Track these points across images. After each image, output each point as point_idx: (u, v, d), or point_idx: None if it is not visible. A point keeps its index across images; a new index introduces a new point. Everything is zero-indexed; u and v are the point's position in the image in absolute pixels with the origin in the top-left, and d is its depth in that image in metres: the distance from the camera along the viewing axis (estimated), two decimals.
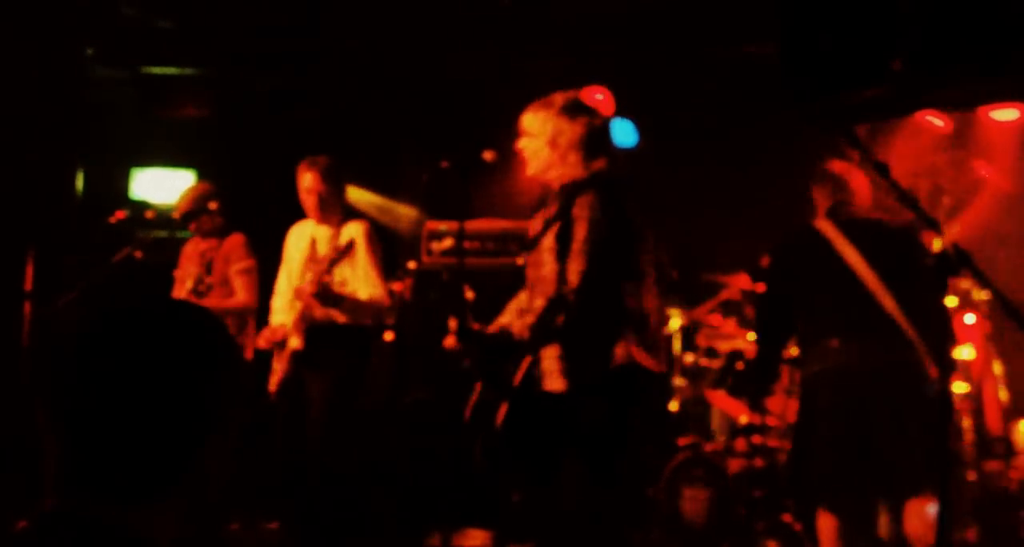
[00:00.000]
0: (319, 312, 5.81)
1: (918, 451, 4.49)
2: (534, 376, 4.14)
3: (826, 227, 4.98)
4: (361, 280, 5.90)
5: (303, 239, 6.11)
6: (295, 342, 5.82)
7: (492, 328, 4.29)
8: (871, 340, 4.75)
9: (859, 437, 4.67)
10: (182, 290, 6.35)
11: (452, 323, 4.19)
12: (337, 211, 6.06)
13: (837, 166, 5.20)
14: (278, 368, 5.93)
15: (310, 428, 5.83)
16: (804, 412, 4.98)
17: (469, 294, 4.26)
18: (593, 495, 4.07)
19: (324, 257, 5.79)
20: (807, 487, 4.91)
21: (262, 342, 5.99)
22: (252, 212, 6.69)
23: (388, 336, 7.50)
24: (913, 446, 4.51)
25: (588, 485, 4.06)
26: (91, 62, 7.75)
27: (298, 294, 5.81)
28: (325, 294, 5.69)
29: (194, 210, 6.42)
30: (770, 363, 5.48)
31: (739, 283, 6.62)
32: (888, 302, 4.70)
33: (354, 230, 5.96)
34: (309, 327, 5.82)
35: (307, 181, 5.99)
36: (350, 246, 5.69)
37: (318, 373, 5.84)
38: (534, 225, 4.37)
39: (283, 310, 6.08)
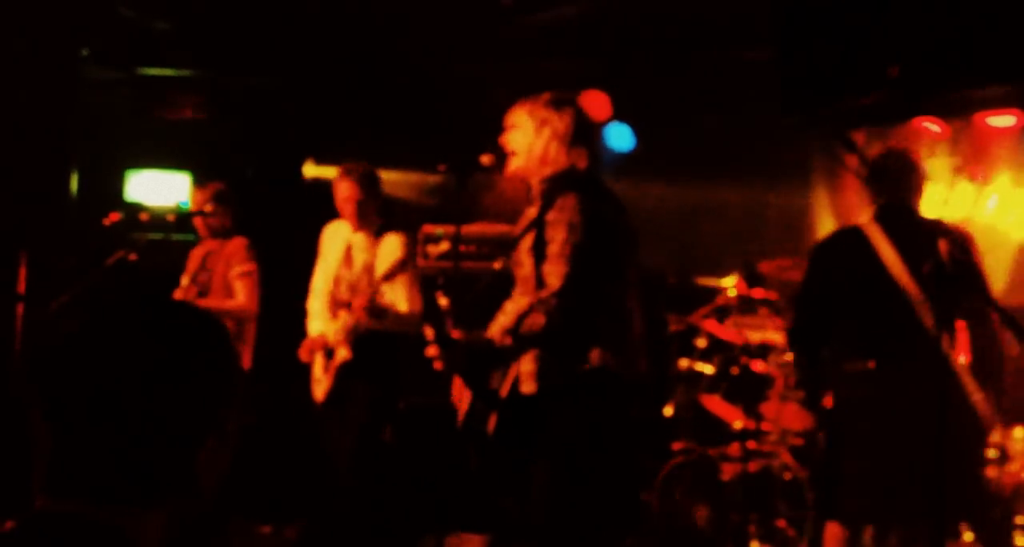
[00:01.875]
0: (365, 324, 5.86)
1: (955, 487, 4.18)
2: (517, 380, 4.12)
3: (872, 230, 4.60)
4: (400, 292, 5.93)
5: (338, 242, 6.12)
6: (344, 353, 5.87)
7: (477, 335, 4.22)
8: (911, 365, 4.42)
9: (893, 469, 4.45)
10: (179, 294, 6.35)
11: (429, 332, 4.15)
12: (374, 219, 6.07)
13: (895, 157, 4.79)
14: (324, 378, 5.99)
15: (348, 430, 5.89)
16: (835, 436, 4.77)
17: (443, 301, 4.22)
18: (564, 499, 4.04)
19: (379, 275, 5.79)
20: (832, 509, 4.70)
21: (305, 355, 6.03)
22: (247, 215, 6.67)
23: None
24: (950, 482, 4.12)
25: (558, 488, 4.04)
26: (87, 63, 7.72)
27: (353, 310, 5.85)
28: (375, 310, 5.76)
29: (200, 211, 6.45)
30: (812, 369, 5.03)
31: (734, 288, 6.60)
32: (931, 321, 4.26)
33: (395, 243, 5.98)
34: (356, 338, 5.88)
35: (344, 190, 5.99)
36: (404, 264, 5.74)
37: (362, 380, 5.92)
38: (519, 226, 4.33)
39: (320, 314, 6.12)
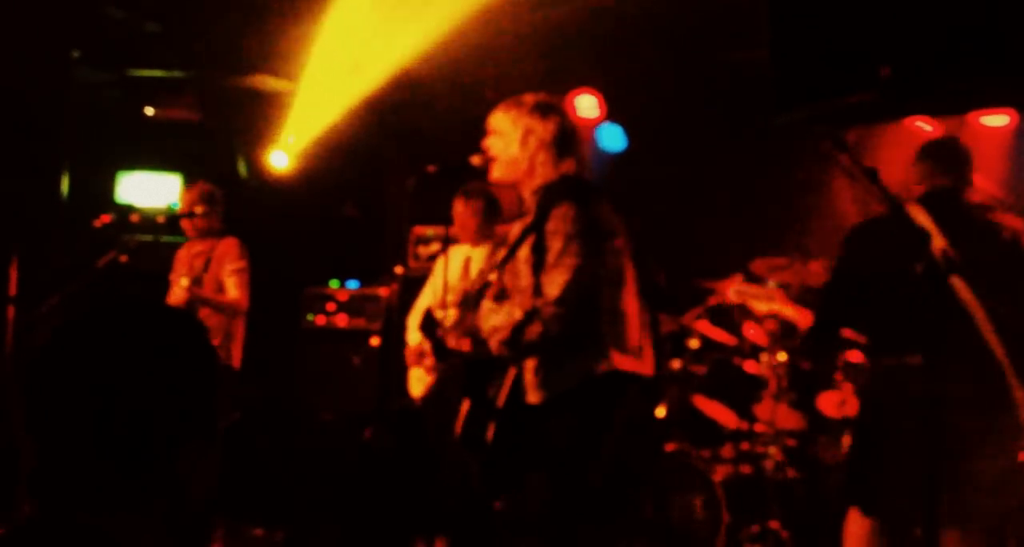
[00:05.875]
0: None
1: (994, 486, 4.12)
2: (519, 389, 4.11)
3: (919, 215, 4.22)
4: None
5: (457, 261, 6.22)
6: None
7: (468, 346, 4.21)
8: (956, 362, 3.99)
9: (933, 468, 4.30)
10: (177, 292, 6.35)
11: (427, 344, 4.15)
12: (492, 233, 6.20)
13: (942, 140, 4.64)
14: (425, 376, 6.05)
15: (449, 427, 5.94)
16: (873, 432, 4.54)
17: (439, 314, 4.22)
18: (568, 505, 4.03)
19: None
20: (870, 504, 4.48)
21: (411, 361, 6.14)
22: (238, 216, 6.67)
23: (374, 341, 7.48)
24: (989, 481, 4.11)
25: (562, 495, 4.03)
26: (77, 64, 7.70)
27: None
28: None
29: (189, 212, 6.47)
30: (824, 348, 4.97)
31: (728, 289, 6.59)
32: (980, 316, 4.13)
33: None
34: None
35: (467, 208, 6.20)
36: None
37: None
38: (512, 234, 4.30)
39: (414, 329, 6.15)
